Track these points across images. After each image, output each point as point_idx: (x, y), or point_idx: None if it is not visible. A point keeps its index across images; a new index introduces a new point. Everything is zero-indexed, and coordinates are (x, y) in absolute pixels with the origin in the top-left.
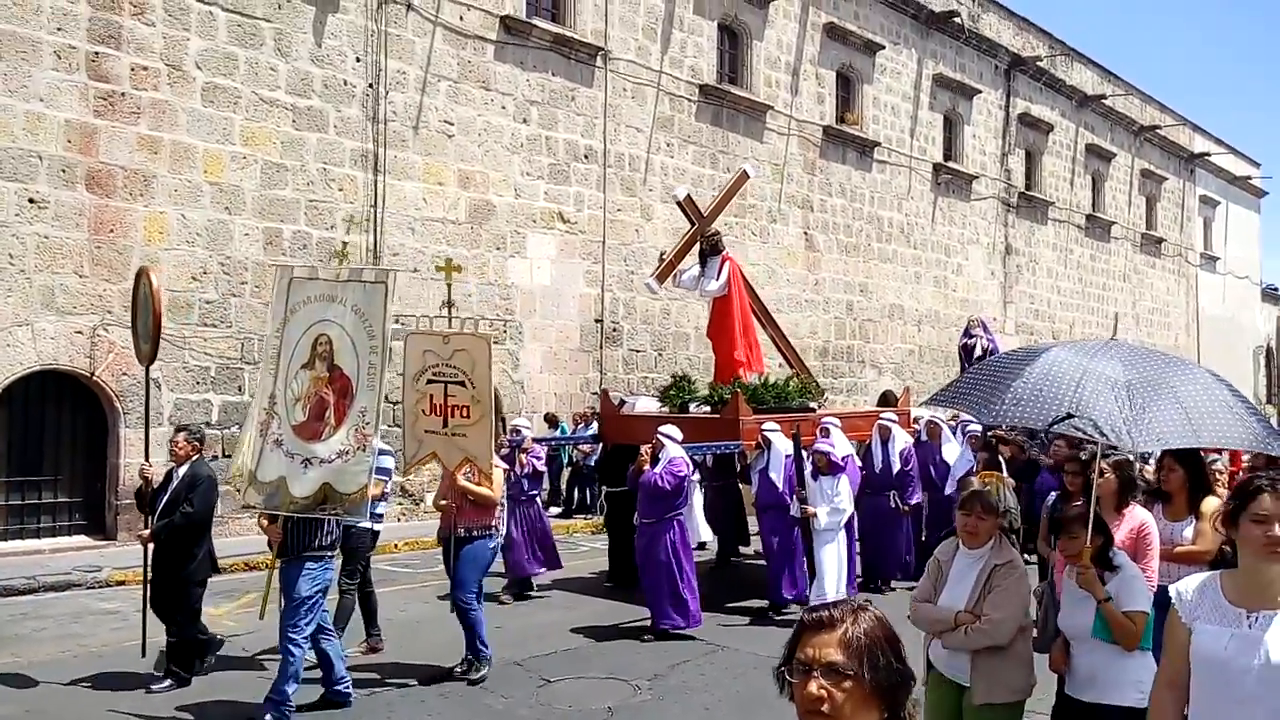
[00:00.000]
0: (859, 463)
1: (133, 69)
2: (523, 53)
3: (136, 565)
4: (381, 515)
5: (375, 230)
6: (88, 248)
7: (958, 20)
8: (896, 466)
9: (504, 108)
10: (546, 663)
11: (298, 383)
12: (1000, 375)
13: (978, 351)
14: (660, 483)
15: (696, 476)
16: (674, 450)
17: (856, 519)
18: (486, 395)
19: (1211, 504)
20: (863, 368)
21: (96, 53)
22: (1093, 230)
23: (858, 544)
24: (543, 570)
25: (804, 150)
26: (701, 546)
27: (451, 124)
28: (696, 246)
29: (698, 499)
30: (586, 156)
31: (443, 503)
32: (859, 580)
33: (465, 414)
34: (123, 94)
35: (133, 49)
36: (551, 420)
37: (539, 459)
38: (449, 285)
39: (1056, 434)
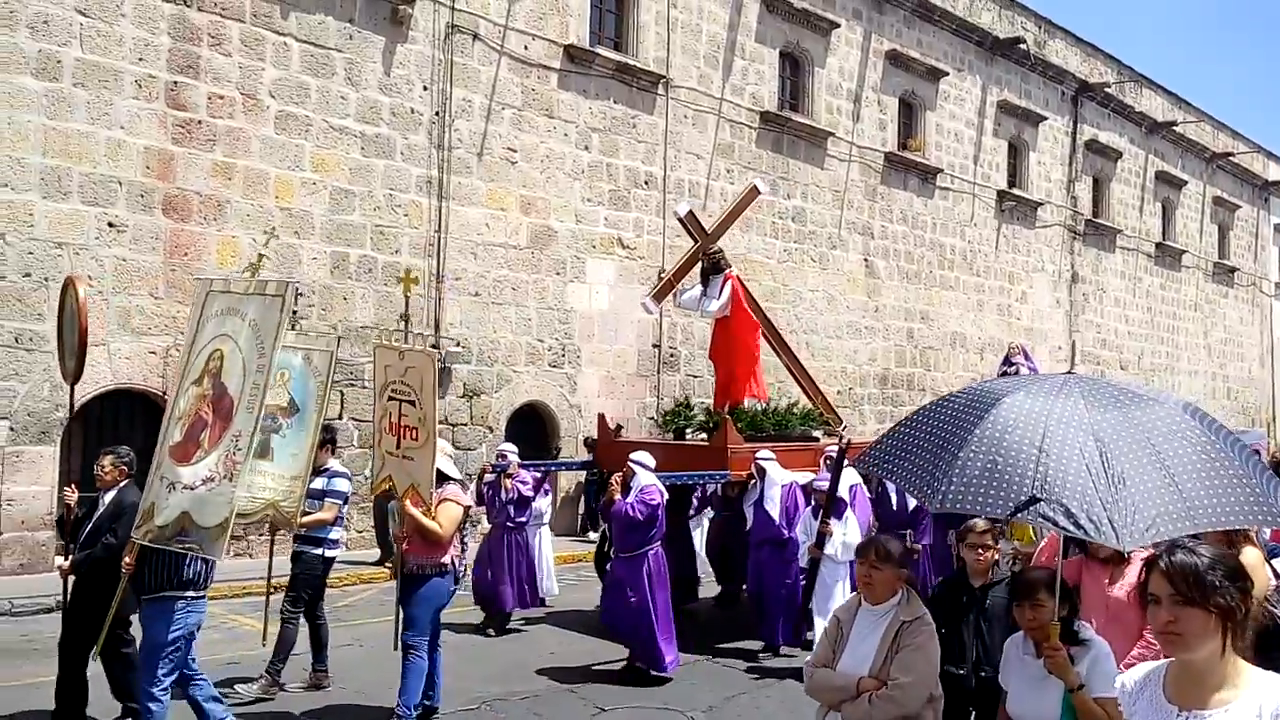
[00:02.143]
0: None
1: (209, 98)
2: (585, 81)
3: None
4: (337, 541)
5: (439, 255)
6: (163, 270)
7: (1023, 46)
8: (912, 503)
9: (566, 135)
10: (594, 691)
11: (184, 400)
12: (944, 439)
13: None
14: (632, 513)
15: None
16: (646, 478)
17: None
18: (431, 417)
19: (1251, 556)
20: (923, 396)
21: (175, 82)
22: (1162, 259)
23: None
24: (515, 607)
25: (865, 176)
26: (542, 603)
27: (515, 150)
28: (699, 266)
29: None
30: (647, 183)
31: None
32: None
33: (414, 436)
34: (199, 122)
35: (210, 78)
36: (590, 445)
37: (525, 484)
38: (406, 297)
39: None
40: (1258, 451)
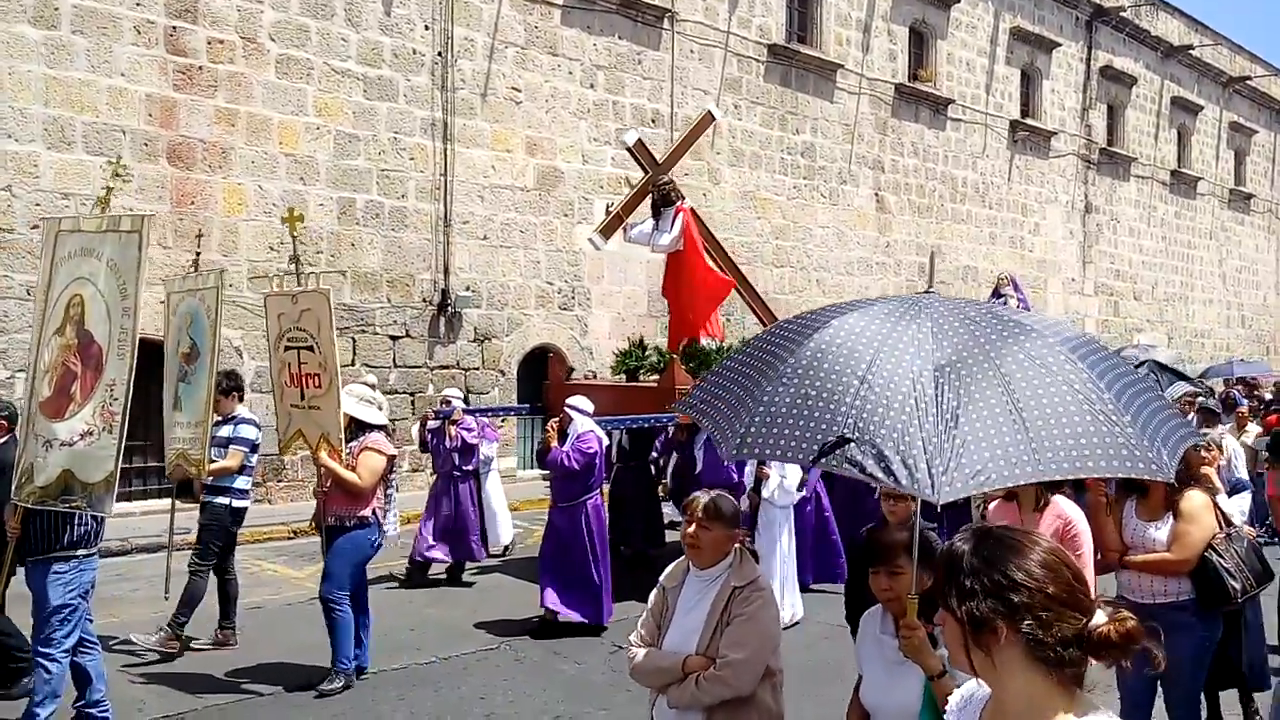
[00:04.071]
0: None
1: (209, 42)
2: (589, 16)
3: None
4: (245, 491)
5: (445, 199)
6: (170, 219)
7: None
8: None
9: (571, 73)
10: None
11: (48, 352)
12: (757, 372)
13: None
14: (567, 462)
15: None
16: (584, 424)
17: (830, 507)
18: (332, 359)
19: (1196, 501)
20: None
21: (174, 27)
22: (1178, 187)
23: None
24: (454, 558)
25: (875, 109)
26: (507, 551)
27: (519, 90)
28: (649, 199)
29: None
30: (654, 121)
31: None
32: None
33: (316, 383)
34: (200, 67)
35: (209, 22)
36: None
37: (469, 431)
38: (294, 238)
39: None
40: (1199, 394)
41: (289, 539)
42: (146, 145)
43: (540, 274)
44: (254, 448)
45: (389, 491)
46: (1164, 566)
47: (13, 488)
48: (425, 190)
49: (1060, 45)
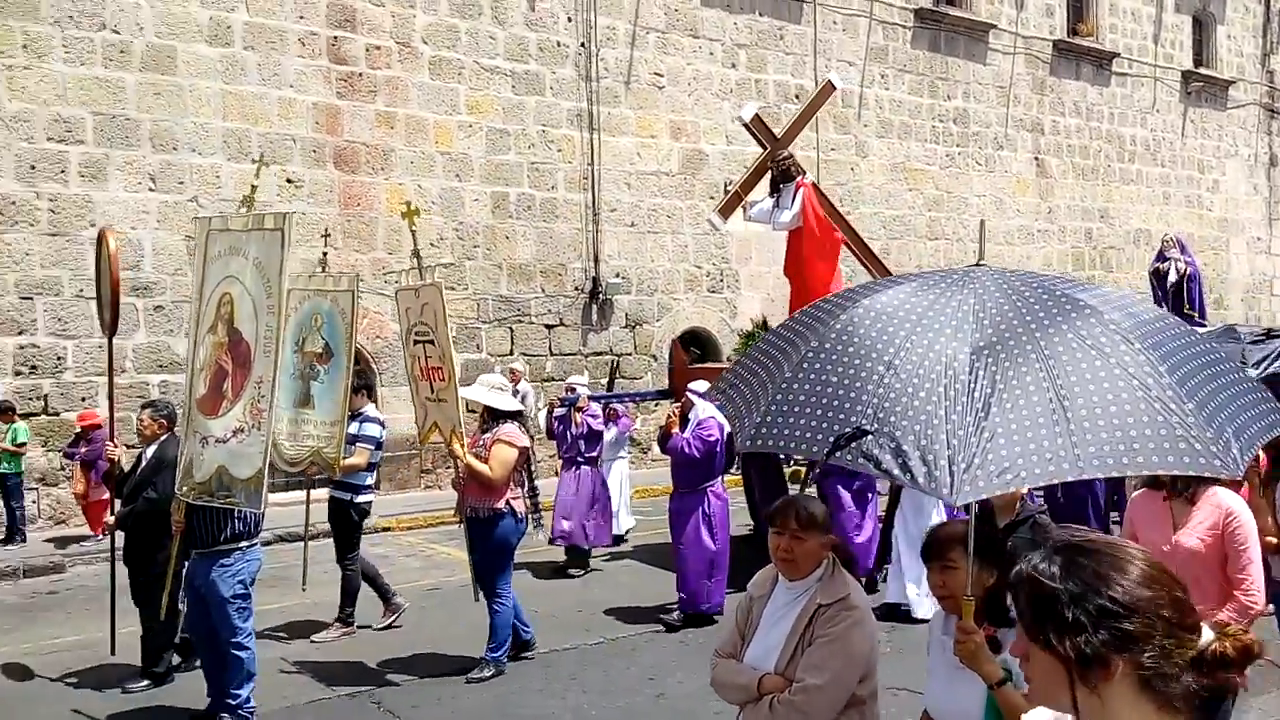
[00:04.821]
0: None
1: (368, 49)
2: None
3: (401, 513)
4: (371, 487)
5: (593, 188)
6: (339, 221)
7: None
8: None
9: (712, 54)
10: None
11: (203, 350)
12: (779, 355)
13: (1172, 277)
14: (688, 449)
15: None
16: (705, 410)
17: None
18: (448, 351)
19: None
20: None
21: (335, 37)
22: None
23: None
24: (594, 543)
25: (1031, 69)
26: (618, 541)
27: (661, 75)
28: (768, 175)
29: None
30: (798, 96)
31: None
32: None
33: (440, 376)
34: (360, 74)
35: (366, 30)
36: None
37: (595, 418)
38: (413, 232)
39: None
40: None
41: (461, 523)
42: (315, 152)
43: (688, 258)
44: (379, 445)
45: (527, 482)
46: None
47: (176, 483)
48: (574, 180)
49: None
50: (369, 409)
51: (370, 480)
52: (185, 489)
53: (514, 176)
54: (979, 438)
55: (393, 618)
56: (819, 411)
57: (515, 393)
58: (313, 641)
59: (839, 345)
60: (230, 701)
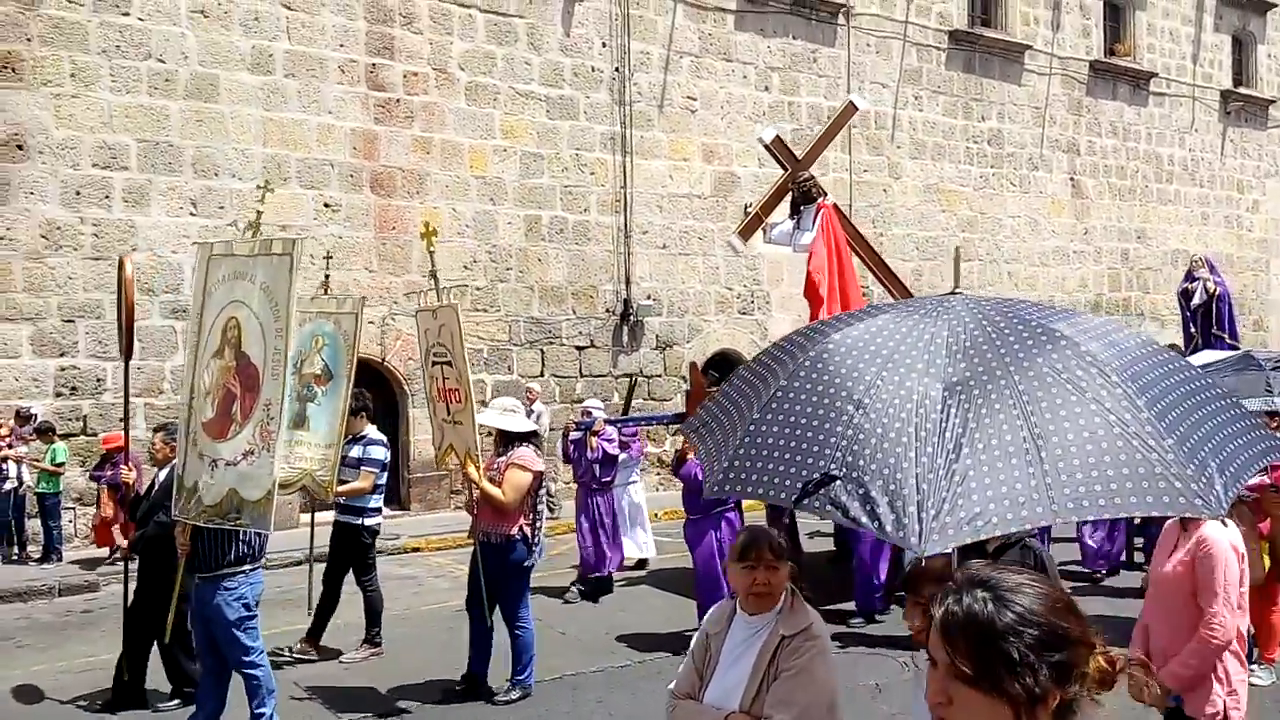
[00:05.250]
0: None
1: (405, 76)
2: (762, 19)
3: (431, 534)
4: (378, 510)
5: (626, 210)
6: (374, 244)
7: None
8: None
9: (745, 77)
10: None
11: (209, 374)
12: (753, 390)
13: (1198, 298)
14: (701, 475)
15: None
16: None
17: None
18: (465, 373)
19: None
20: (1141, 321)
21: (374, 64)
22: None
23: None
24: (610, 569)
25: (1067, 89)
26: (640, 565)
27: (694, 99)
28: (789, 197)
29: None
30: (829, 118)
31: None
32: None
33: (457, 398)
34: (398, 100)
35: (404, 57)
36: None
37: (610, 442)
38: (431, 252)
39: None
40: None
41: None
42: (352, 176)
43: (719, 280)
44: (384, 467)
45: (539, 509)
46: None
47: (174, 505)
48: (606, 203)
49: (1275, 6)
50: (370, 430)
51: (376, 502)
52: (195, 513)
53: (547, 199)
54: (949, 481)
55: (367, 653)
56: (786, 455)
57: (530, 412)
58: (341, 663)
59: (808, 383)
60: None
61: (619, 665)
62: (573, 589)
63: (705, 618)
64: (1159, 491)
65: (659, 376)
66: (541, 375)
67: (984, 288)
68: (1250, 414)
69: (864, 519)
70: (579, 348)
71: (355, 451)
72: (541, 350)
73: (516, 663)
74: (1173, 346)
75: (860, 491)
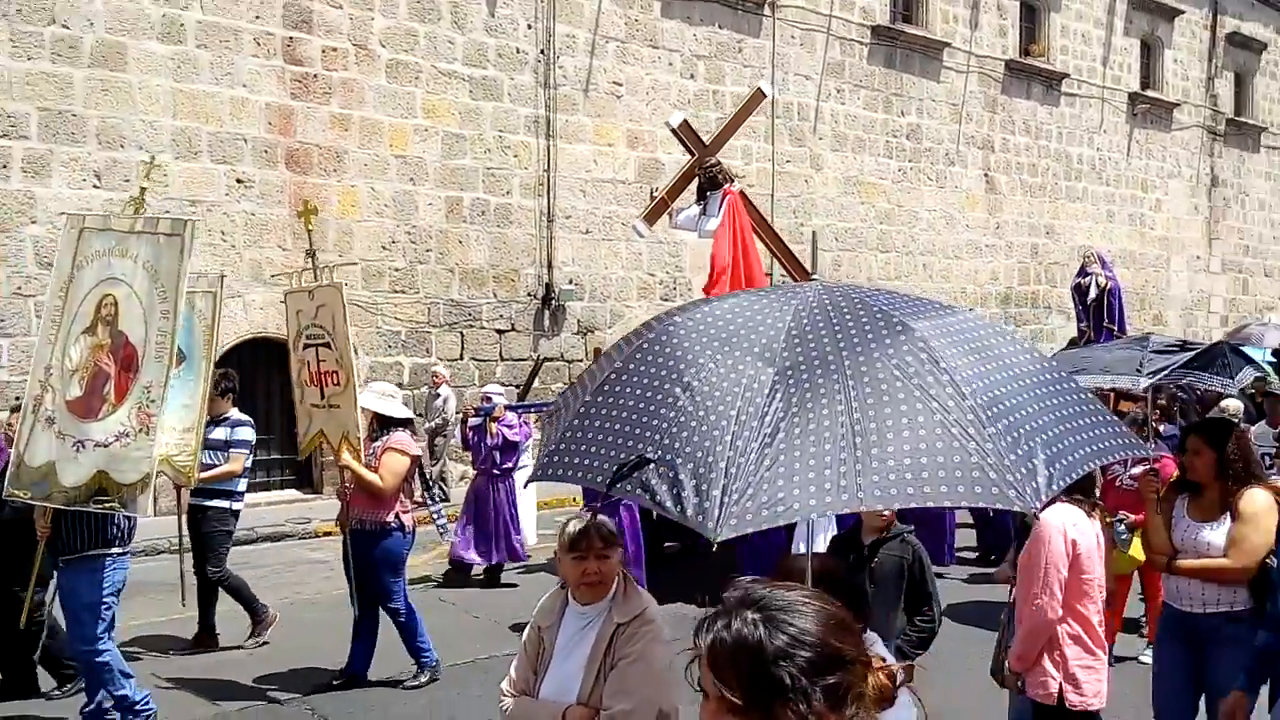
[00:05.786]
0: None
1: (324, 51)
2: (689, 7)
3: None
4: (243, 494)
5: (549, 194)
6: (289, 223)
7: None
8: None
9: (671, 64)
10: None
11: (76, 351)
12: (590, 375)
13: (1092, 293)
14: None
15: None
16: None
17: None
18: (348, 355)
19: (1258, 500)
20: (1048, 314)
21: (291, 37)
22: None
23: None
24: (493, 560)
25: (984, 87)
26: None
27: (620, 84)
28: (695, 182)
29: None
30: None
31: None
32: None
33: (336, 380)
34: (315, 75)
35: (323, 31)
36: None
37: (510, 428)
38: (309, 231)
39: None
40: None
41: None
42: (266, 152)
43: (642, 266)
44: (252, 449)
45: (432, 492)
46: (1220, 574)
47: (5, 483)
48: (529, 186)
49: (1183, 12)
50: (234, 412)
51: (243, 486)
52: (42, 494)
53: (469, 181)
54: (759, 466)
55: (262, 635)
56: (609, 439)
57: (436, 396)
58: (245, 648)
59: (642, 365)
60: (111, 704)
61: (483, 656)
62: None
63: (535, 610)
64: (971, 481)
65: (580, 361)
66: (461, 358)
67: (900, 279)
68: (1099, 410)
69: (669, 503)
70: (499, 331)
71: (220, 434)
72: (461, 333)
73: (410, 649)
74: (1076, 339)
75: (670, 475)
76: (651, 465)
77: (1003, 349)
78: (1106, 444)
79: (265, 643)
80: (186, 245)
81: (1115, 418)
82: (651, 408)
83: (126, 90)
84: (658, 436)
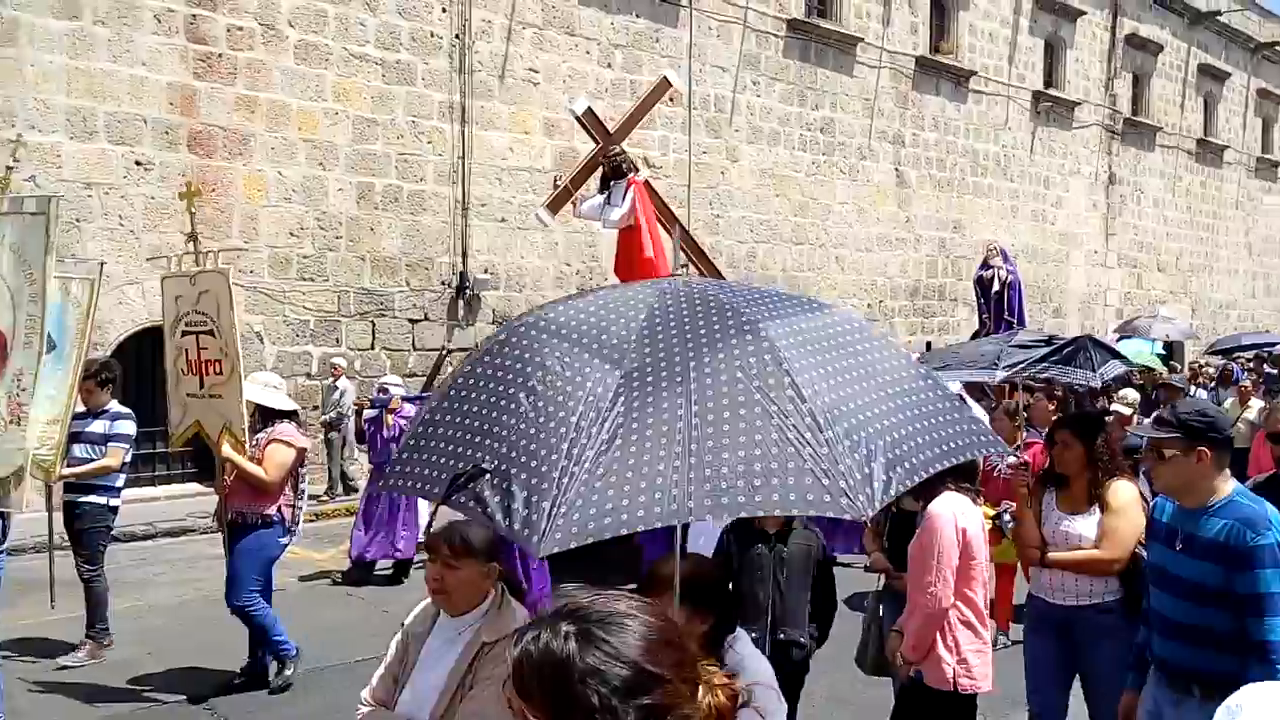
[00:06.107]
0: None
1: (229, 30)
2: None
3: None
4: (120, 490)
5: (463, 182)
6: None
7: None
8: None
9: (588, 53)
10: None
11: None
12: (446, 382)
13: (995, 286)
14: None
15: None
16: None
17: None
18: (233, 343)
19: (1124, 493)
20: (955, 306)
21: (194, 15)
22: (1204, 156)
23: None
24: (394, 555)
25: (896, 83)
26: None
27: (536, 71)
28: (599, 170)
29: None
30: (670, 99)
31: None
32: None
33: (218, 369)
34: (220, 55)
35: (228, 10)
36: None
37: (407, 419)
38: (191, 214)
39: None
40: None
41: (310, 521)
42: (167, 134)
43: (558, 255)
44: (133, 442)
45: (301, 488)
46: (1091, 565)
47: None
48: (443, 174)
49: (1085, 14)
50: (113, 405)
51: (121, 482)
52: None
53: (381, 167)
54: (591, 476)
55: (89, 651)
56: (449, 447)
57: (334, 389)
58: (61, 666)
59: (489, 369)
60: None
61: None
62: (337, 578)
63: (410, 615)
64: (804, 489)
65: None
66: (372, 348)
67: (812, 271)
68: (958, 409)
69: (499, 516)
70: (412, 320)
71: (99, 427)
72: (373, 322)
73: (266, 640)
74: (978, 331)
75: (504, 486)
76: (487, 475)
77: (864, 350)
78: (958, 443)
79: (85, 665)
80: (51, 222)
81: (975, 415)
82: (494, 414)
83: (17, 66)
84: (497, 445)
